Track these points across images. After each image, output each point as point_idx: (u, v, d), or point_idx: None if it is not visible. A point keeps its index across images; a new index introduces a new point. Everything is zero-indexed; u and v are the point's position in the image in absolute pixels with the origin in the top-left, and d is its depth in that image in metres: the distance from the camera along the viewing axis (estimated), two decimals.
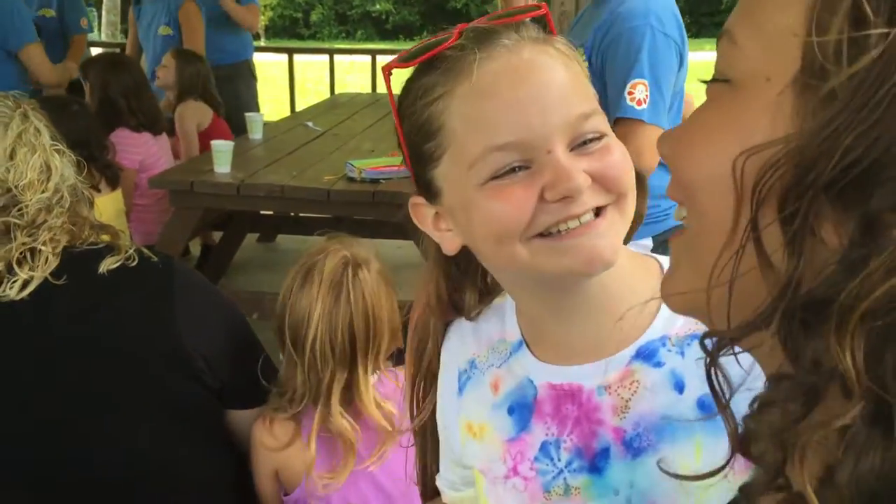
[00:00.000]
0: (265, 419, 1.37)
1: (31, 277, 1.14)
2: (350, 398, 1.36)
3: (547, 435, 0.75)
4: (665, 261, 0.76)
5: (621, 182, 0.69)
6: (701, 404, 0.70)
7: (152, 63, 4.41)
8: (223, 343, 1.29)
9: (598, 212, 0.68)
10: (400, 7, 26.04)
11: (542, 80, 0.68)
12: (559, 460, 0.75)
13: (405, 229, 2.97)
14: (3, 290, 1.13)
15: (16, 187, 1.20)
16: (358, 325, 1.33)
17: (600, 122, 0.70)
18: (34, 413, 1.14)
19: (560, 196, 0.66)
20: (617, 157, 0.70)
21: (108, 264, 1.20)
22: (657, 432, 0.71)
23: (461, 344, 0.85)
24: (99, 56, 3.82)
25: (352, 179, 2.87)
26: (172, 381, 1.22)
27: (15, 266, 1.14)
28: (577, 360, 0.74)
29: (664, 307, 0.61)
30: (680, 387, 0.71)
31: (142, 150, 3.36)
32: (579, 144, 0.68)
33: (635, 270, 0.75)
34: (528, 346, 0.78)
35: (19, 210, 1.18)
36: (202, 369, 1.24)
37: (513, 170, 0.67)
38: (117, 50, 5.80)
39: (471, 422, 0.82)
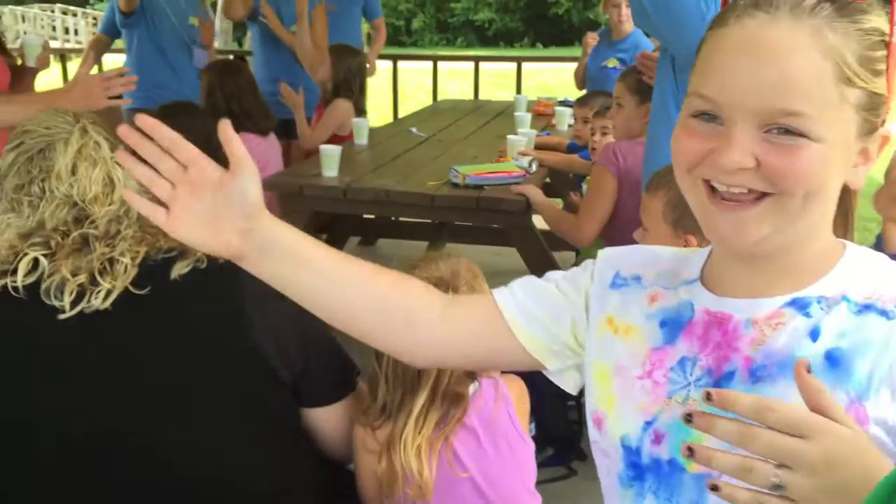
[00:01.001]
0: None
1: (113, 287, 1.16)
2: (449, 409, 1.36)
3: (688, 352, 0.83)
4: (852, 245, 0.82)
5: (788, 181, 0.72)
6: (828, 356, 0.75)
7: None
8: (296, 341, 1.29)
9: (760, 196, 0.74)
10: (502, 14, 26.06)
11: (768, 62, 0.71)
12: (690, 374, 0.82)
13: (506, 235, 2.97)
14: (89, 301, 1.15)
15: (83, 200, 1.23)
16: None
17: (810, 125, 0.71)
18: (113, 418, 1.16)
19: (713, 163, 0.74)
20: (801, 161, 0.72)
21: (179, 269, 1.21)
22: (780, 367, 0.76)
23: (632, 257, 0.93)
24: (213, 62, 3.97)
25: (455, 185, 2.89)
26: (247, 380, 1.23)
27: (97, 276, 1.17)
28: (738, 294, 0.82)
29: (832, 275, 0.79)
30: (815, 335, 0.77)
31: (255, 153, 3.44)
32: (772, 130, 0.72)
33: (818, 240, 0.80)
34: (702, 283, 0.86)
35: (92, 222, 1.21)
36: (276, 367, 1.24)
37: (707, 116, 0.75)
38: (230, 56, 6.01)
39: (613, 317, 0.90)
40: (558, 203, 3.41)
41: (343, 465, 1.47)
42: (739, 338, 0.80)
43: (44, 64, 3.00)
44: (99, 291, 1.15)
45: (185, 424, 1.18)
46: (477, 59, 6.47)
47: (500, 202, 2.77)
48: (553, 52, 20.96)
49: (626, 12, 4.26)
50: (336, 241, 4.36)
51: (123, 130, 0.80)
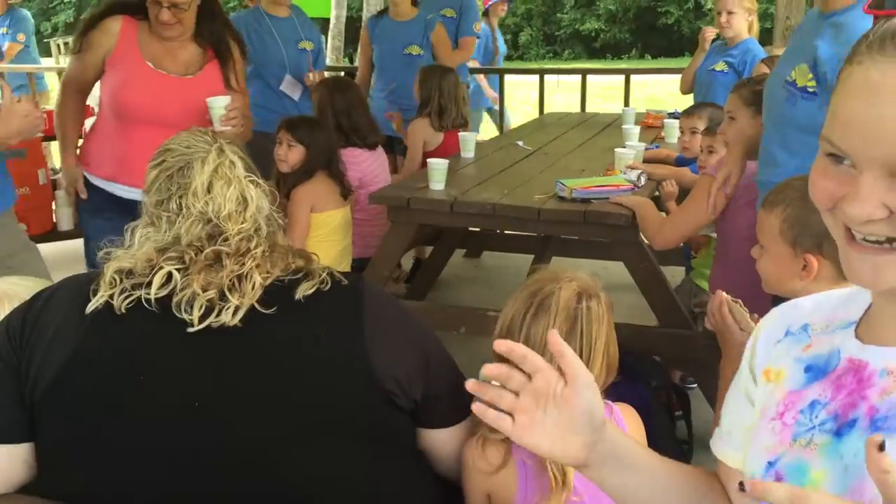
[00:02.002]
0: (478, 441, 1.38)
1: (241, 304, 1.18)
2: None
3: (820, 396, 0.82)
4: None
5: None
6: None
7: (388, 80, 4.69)
8: (414, 364, 1.28)
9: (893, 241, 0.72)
10: (610, 25, 25.78)
11: (892, 108, 0.68)
12: (816, 418, 0.81)
13: (612, 249, 2.92)
14: (218, 316, 1.17)
15: (217, 217, 1.26)
16: (587, 361, 1.33)
17: None
18: (232, 432, 1.17)
19: (843, 210, 0.73)
20: None
21: (303, 290, 1.23)
22: None
23: (803, 307, 0.92)
24: (324, 80, 4.10)
25: (562, 198, 2.87)
26: (365, 404, 1.22)
27: (227, 292, 1.19)
28: (886, 341, 0.79)
29: None
30: None
31: (361, 167, 3.56)
32: None
33: None
34: (857, 327, 0.84)
35: (225, 239, 1.24)
36: (393, 392, 1.24)
37: (838, 157, 0.73)
38: (341, 73, 6.19)
39: (771, 368, 0.90)
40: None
41: (456, 483, 1.47)
42: (871, 386, 0.78)
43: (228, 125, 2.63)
44: (227, 308, 1.17)
45: (303, 443, 1.18)
46: (584, 72, 6.41)
47: (607, 216, 2.74)
48: (662, 63, 20.57)
49: (727, 18, 4.15)
50: (442, 254, 4.42)
51: (491, 370, 0.85)
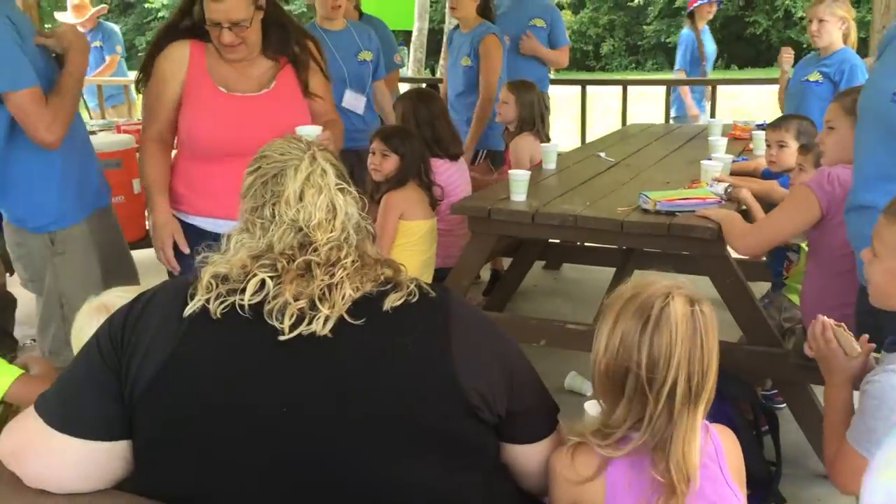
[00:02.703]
0: (568, 450, 1.36)
1: (331, 314, 1.19)
2: (676, 445, 1.32)
3: None
4: None
5: None
6: None
7: (451, 91, 4.79)
8: (500, 379, 1.27)
9: None
10: None
11: None
12: None
13: (697, 263, 2.85)
14: (308, 325, 1.18)
15: (307, 226, 1.27)
16: (707, 367, 1.31)
17: None
18: (318, 445, 1.18)
19: None
20: None
21: (391, 301, 1.23)
22: None
23: None
24: (407, 91, 4.15)
25: (646, 211, 2.83)
26: (450, 416, 1.22)
27: (317, 302, 1.20)
28: None
29: None
30: None
31: (443, 178, 3.58)
32: None
33: None
34: None
35: (315, 249, 1.25)
36: (478, 406, 1.23)
37: None
38: (423, 84, 6.26)
39: None
40: None
41: (539, 496, 1.45)
42: None
43: None
44: (318, 317, 1.19)
45: (387, 453, 1.19)
46: (669, 83, 6.31)
47: (693, 229, 2.68)
48: (750, 73, 20.07)
49: (818, 26, 4.02)
50: (522, 265, 4.40)
51: None
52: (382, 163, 3.29)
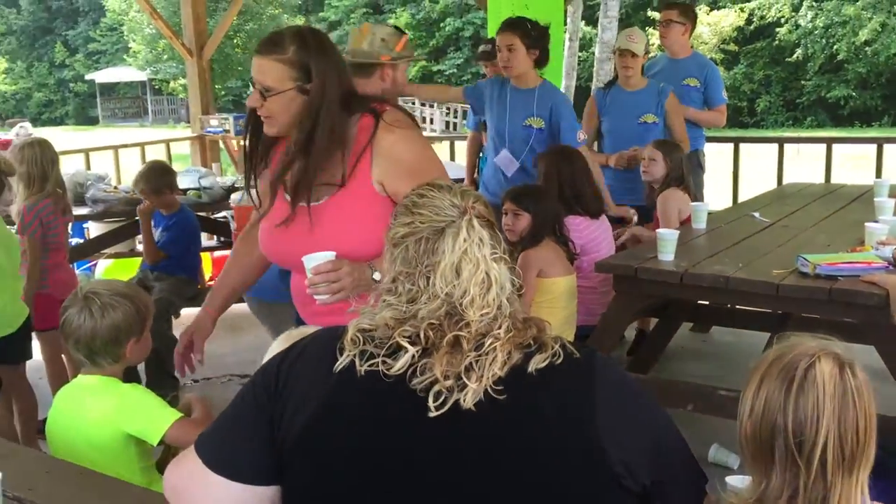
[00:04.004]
0: None
1: (478, 387, 1.16)
2: None
3: None
4: None
5: None
6: None
7: (621, 149, 4.62)
8: (647, 447, 1.22)
9: None
10: (860, 91, 24.11)
11: None
12: None
13: (861, 332, 2.67)
14: (454, 396, 1.16)
15: (460, 304, 1.23)
16: (862, 431, 1.23)
17: None
18: None
19: None
20: None
21: (536, 363, 1.19)
22: None
23: None
24: (550, 148, 4.10)
25: (804, 274, 2.69)
26: (594, 484, 1.17)
27: (463, 375, 1.17)
28: None
29: None
30: None
31: (583, 235, 3.56)
32: None
33: None
34: None
35: (466, 324, 1.21)
36: (622, 474, 1.17)
37: None
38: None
39: None
40: None
41: None
42: None
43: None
44: (465, 391, 1.16)
45: None
46: (830, 140, 6.03)
47: (857, 295, 2.52)
48: None
49: None
50: (668, 326, 4.27)
51: None
52: (515, 222, 3.31)
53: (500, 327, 1.22)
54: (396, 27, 3.00)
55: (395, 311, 1.26)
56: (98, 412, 2.03)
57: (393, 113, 2.01)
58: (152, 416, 2.01)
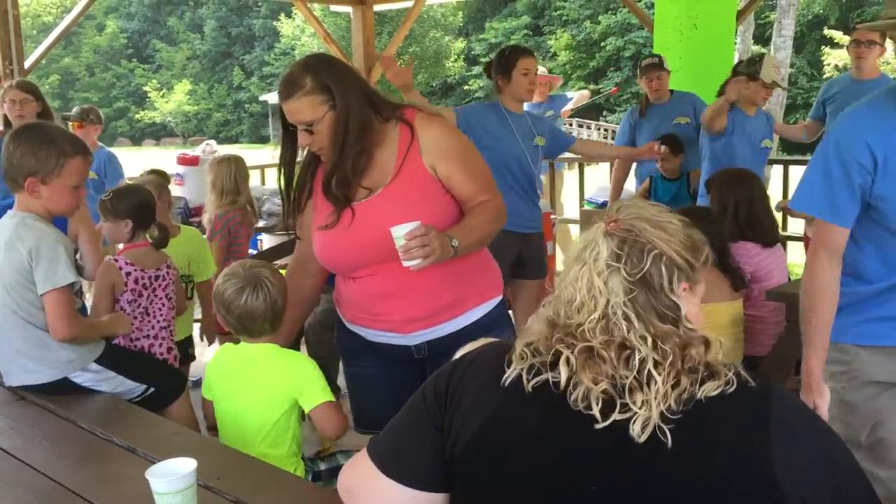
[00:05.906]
0: None
1: (649, 417, 1.14)
2: None
3: None
4: None
5: None
6: None
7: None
8: (825, 482, 1.16)
9: None
10: None
11: None
12: None
13: None
14: (620, 414, 1.15)
15: (569, 306, 1.25)
16: None
17: None
18: None
19: None
20: None
21: (707, 390, 1.16)
22: None
23: None
24: (724, 171, 3.99)
25: None
26: None
27: (626, 394, 1.16)
28: None
29: None
30: None
31: (753, 262, 3.42)
32: None
33: None
34: None
35: (582, 332, 1.22)
36: None
37: None
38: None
39: None
40: None
41: None
42: None
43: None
44: (635, 418, 1.15)
45: None
46: None
47: None
48: None
49: None
50: None
51: None
52: None
53: (646, 342, 1.19)
54: None
55: (549, 314, 1.28)
56: (273, 375, 2.22)
57: (424, 112, 2.20)
58: (317, 387, 2.22)
